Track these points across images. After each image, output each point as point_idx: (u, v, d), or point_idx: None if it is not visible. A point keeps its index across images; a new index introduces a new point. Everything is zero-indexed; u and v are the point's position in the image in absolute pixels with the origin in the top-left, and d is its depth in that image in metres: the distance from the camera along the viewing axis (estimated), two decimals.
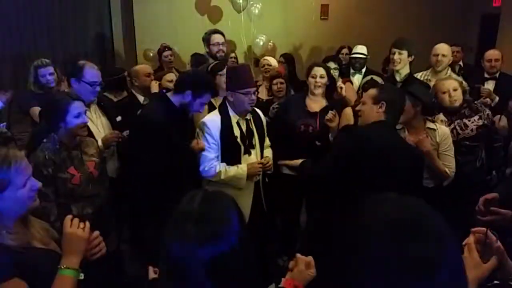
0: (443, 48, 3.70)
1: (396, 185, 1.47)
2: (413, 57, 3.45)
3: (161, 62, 5.07)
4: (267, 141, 2.91)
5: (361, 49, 4.51)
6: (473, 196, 2.12)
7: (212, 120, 2.62)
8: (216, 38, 3.67)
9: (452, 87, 2.95)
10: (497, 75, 4.08)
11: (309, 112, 3.08)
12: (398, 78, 3.44)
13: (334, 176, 2.22)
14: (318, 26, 6.68)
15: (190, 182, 2.65)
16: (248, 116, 2.71)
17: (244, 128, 2.66)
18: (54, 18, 4.92)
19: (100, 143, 2.66)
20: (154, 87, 3.45)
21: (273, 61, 4.20)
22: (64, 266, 1.42)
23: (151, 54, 6.09)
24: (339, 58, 4.22)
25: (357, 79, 4.37)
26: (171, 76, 3.58)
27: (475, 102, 3.20)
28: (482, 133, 2.98)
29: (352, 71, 4.48)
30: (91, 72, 2.71)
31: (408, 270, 0.82)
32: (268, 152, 2.89)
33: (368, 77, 3.05)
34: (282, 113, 3.22)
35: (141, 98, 3.54)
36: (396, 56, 3.40)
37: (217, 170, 2.58)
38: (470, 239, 1.23)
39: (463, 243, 1.24)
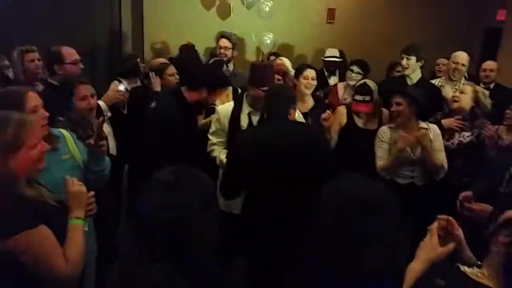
0: (462, 57, 3.83)
1: None
2: (423, 61, 3.59)
3: None
4: None
5: (334, 53, 4.70)
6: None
7: (225, 108, 2.82)
8: (222, 42, 4.00)
9: (461, 89, 3.11)
10: (491, 85, 4.18)
11: (300, 112, 3.19)
12: (409, 83, 3.59)
13: None
14: (324, 29, 6.80)
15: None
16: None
17: (256, 119, 2.79)
18: (63, 11, 5.03)
19: (103, 105, 2.77)
20: (157, 84, 3.51)
21: (286, 61, 4.26)
22: (74, 216, 1.67)
23: (158, 47, 6.21)
24: (364, 61, 4.30)
25: (333, 80, 4.56)
26: (172, 70, 3.67)
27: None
28: (461, 150, 3.11)
29: (326, 73, 4.62)
30: (69, 51, 2.84)
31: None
32: None
33: (362, 81, 3.17)
34: None
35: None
36: (404, 61, 3.59)
37: (215, 155, 2.77)
38: (434, 225, 1.35)
39: (428, 228, 1.36)
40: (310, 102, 3.35)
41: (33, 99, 1.89)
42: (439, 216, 1.38)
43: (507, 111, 3.28)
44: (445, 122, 3.21)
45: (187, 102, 2.72)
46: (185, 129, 2.68)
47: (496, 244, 1.23)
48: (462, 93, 3.15)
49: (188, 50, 5.09)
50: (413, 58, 3.55)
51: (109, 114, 2.87)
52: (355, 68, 3.85)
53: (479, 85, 4.22)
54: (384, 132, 2.98)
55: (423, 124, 2.95)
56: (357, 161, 2.84)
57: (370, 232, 0.98)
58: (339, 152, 3.02)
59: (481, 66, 4.47)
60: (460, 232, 1.37)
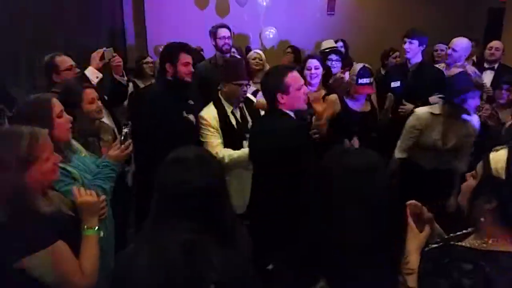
0: (456, 43, 3.90)
1: None
2: (424, 46, 3.60)
3: None
4: None
5: (330, 44, 4.70)
6: None
7: (209, 112, 2.80)
8: (222, 32, 3.87)
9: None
10: (496, 65, 4.17)
11: (310, 103, 3.22)
12: (409, 66, 3.63)
13: None
14: (325, 20, 6.81)
15: None
16: (241, 105, 2.88)
17: (238, 115, 2.83)
18: (67, 13, 5.09)
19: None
20: None
21: (262, 54, 4.30)
22: (86, 227, 1.68)
23: (161, 49, 6.26)
24: (340, 50, 4.37)
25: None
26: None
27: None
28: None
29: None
30: (62, 59, 2.90)
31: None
32: None
33: (360, 65, 3.19)
34: None
35: None
36: (407, 46, 3.59)
37: (221, 156, 2.71)
38: (406, 214, 1.39)
39: None
40: (321, 92, 3.33)
41: (58, 104, 1.93)
42: (407, 203, 1.43)
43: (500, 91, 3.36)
44: None
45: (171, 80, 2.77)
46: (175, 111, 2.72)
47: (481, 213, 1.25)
48: None
49: (197, 55, 5.26)
50: (416, 42, 3.57)
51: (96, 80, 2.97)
52: (334, 57, 3.94)
53: (483, 65, 4.27)
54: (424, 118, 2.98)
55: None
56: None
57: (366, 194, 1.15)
58: (336, 138, 3.03)
59: (486, 47, 4.45)
60: (429, 214, 1.45)
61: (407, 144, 3.06)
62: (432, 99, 3.35)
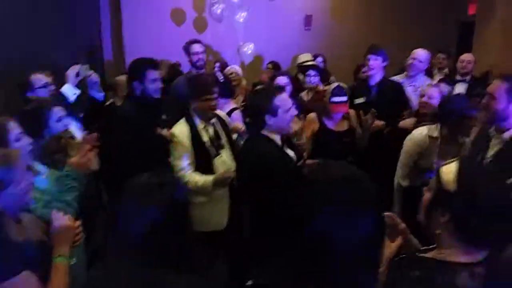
0: (419, 53, 3.91)
1: None
2: (386, 62, 3.65)
3: None
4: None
5: (307, 57, 4.85)
6: None
7: (181, 129, 2.75)
8: (196, 47, 3.89)
9: (428, 95, 3.18)
10: (467, 78, 4.28)
11: None
12: (373, 83, 3.64)
13: None
14: (302, 36, 6.91)
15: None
16: (213, 120, 2.86)
17: (212, 131, 2.81)
18: (43, 28, 5.04)
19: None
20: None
21: (239, 70, 4.38)
22: (58, 255, 1.60)
23: None
24: (317, 65, 4.43)
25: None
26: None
27: None
28: None
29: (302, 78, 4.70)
30: (36, 77, 2.90)
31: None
32: None
33: (335, 84, 3.24)
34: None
35: None
36: (371, 62, 3.59)
37: (185, 180, 2.66)
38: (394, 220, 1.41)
39: None
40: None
41: (15, 128, 1.88)
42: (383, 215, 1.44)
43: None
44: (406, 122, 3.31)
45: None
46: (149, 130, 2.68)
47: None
48: (429, 99, 3.19)
49: (174, 70, 5.33)
50: (380, 58, 3.61)
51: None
52: (312, 72, 4.01)
53: (455, 77, 4.38)
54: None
55: None
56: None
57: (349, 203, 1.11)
58: (315, 156, 3.04)
59: (457, 59, 4.57)
60: (403, 225, 1.48)
61: (409, 169, 2.97)
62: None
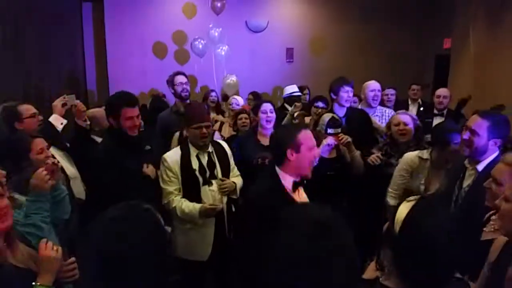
0: (377, 85, 4.09)
1: None
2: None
3: None
4: (235, 171, 3.02)
5: (293, 89, 5.00)
6: None
7: (172, 155, 2.78)
8: (179, 78, 3.94)
9: (404, 121, 3.23)
10: (444, 111, 4.43)
11: (262, 145, 3.27)
12: (342, 113, 3.74)
13: None
14: (284, 67, 7.11)
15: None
16: (210, 149, 2.85)
17: (205, 160, 2.80)
18: (29, 59, 5.05)
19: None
20: None
21: (240, 100, 4.53)
22: (39, 283, 1.60)
23: None
24: (324, 97, 4.50)
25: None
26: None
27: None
28: None
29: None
30: (24, 107, 2.90)
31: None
32: (237, 180, 2.96)
33: (330, 115, 3.32)
34: (238, 150, 3.36)
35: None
36: (344, 93, 3.71)
37: (173, 206, 2.69)
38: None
39: None
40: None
41: (40, 142, 1.96)
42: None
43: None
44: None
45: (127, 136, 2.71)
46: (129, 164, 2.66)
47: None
48: (406, 125, 3.26)
49: (157, 99, 5.40)
50: (351, 90, 3.74)
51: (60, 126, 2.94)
52: (320, 104, 4.08)
53: (433, 111, 4.52)
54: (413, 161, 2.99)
55: None
56: (326, 189, 2.89)
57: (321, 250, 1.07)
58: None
59: (434, 91, 4.73)
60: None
61: (399, 189, 3.00)
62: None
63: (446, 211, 1.63)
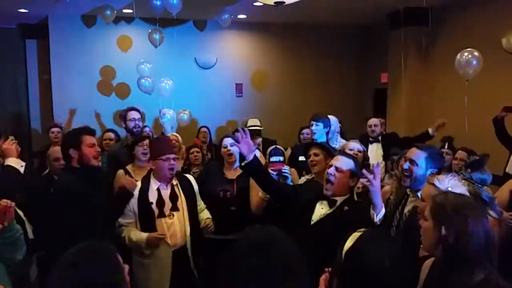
0: (333, 119, 4.33)
1: None
2: (329, 128, 3.96)
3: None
4: (202, 205, 3.10)
5: (255, 122, 5.24)
6: None
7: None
8: (132, 114, 3.94)
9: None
10: (379, 138, 4.75)
11: (226, 179, 3.29)
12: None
13: None
14: (234, 102, 7.34)
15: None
16: (175, 181, 2.88)
17: (167, 192, 2.82)
18: None
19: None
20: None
21: (179, 138, 4.53)
22: None
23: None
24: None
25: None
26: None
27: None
28: None
29: None
30: None
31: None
32: (205, 215, 3.05)
33: (273, 146, 3.44)
34: (202, 179, 3.39)
35: None
36: (313, 127, 3.88)
37: (122, 235, 2.73)
38: (324, 276, 1.48)
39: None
40: (238, 170, 3.42)
41: None
42: (325, 269, 1.48)
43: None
44: None
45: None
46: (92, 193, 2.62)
47: None
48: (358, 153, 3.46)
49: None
50: (321, 125, 3.90)
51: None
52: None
53: (368, 139, 4.82)
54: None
55: None
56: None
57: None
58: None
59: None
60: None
61: None
62: None
63: (387, 237, 1.70)
